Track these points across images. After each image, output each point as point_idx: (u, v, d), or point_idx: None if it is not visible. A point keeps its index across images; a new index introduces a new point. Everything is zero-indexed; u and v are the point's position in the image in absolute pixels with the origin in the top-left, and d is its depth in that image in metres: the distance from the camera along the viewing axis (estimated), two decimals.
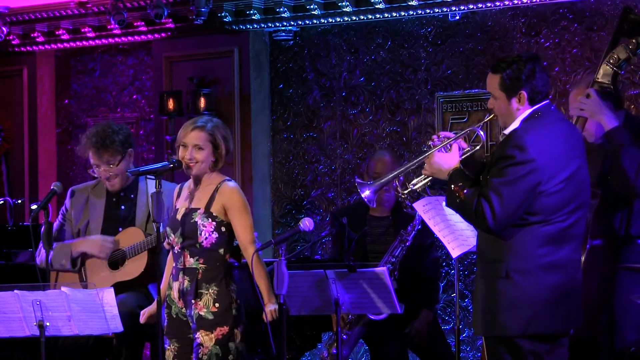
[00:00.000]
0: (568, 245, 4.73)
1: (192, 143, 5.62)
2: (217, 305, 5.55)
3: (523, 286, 4.67)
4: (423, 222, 6.46)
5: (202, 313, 5.56)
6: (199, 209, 5.61)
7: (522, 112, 4.78)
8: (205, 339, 5.54)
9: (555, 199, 4.67)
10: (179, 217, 5.66)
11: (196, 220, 5.59)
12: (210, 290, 5.56)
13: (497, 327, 4.74)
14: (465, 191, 4.72)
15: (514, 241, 4.69)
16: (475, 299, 4.87)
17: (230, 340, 5.57)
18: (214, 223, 5.59)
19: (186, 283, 5.60)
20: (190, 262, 5.60)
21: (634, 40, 5.48)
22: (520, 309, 4.67)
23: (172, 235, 5.64)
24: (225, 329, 5.57)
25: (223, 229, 5.61)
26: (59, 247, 6.48)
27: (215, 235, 5.59)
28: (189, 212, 5.63)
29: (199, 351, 5.54)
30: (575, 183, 4.73)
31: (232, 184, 5.68)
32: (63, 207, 6.70)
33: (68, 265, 6.47)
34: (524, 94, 4.76)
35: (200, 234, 5.58)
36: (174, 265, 5.69)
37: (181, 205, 5.70)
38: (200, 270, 5.59)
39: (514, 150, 4.64)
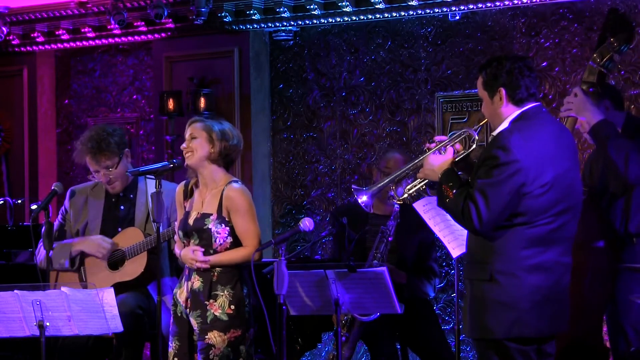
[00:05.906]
0: (555, 248, 4.68)
1: (188, 133, 5.70)
2: (232, 307, 5.56)
3: (507, 288, 4.66)
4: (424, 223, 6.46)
5: (217, 314, 5.56)
6: (212, 214, 5.61)
7: (508, 113, 4.75)
8: (218, 340, 5.54)
9: (540, 201, 4.63)
10: (191, 221, 5.65)
11: (209, 226, 5.59)
12: (225, 292, 5.57)
13: (483, 330, 4.74)
14: (454, 191, 4.71)
15: (498, 243, 4.67)
16: (464, 300, 4.87)
17: (242, 344, 5.58)
18: (228, 228, 5.61)
19: (198, 284, 5.61)
20: None
21: (613, 39, 5.50)
22: (504, 312, 4.66)
23: (186, 239, 5.66)
24: (239, 332, 5.57)
25: None
26: (59, 247, 6.47)
27: (230, 240, 5.61)
28: (201, 217, 5.63)
29: (210, 352, 5.53)
30: (562, 185, 4.68)
31: (236, 185, 5.67)
32: (62, 208, 6.71)
33: (66, 264, 6.47)
34: (502, 91, 4.73)
35: (215, 241, 5.59)
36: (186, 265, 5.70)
37: (193, 209, 5.70)
38: (216, 273, 5.60)
39: (498, 152, 4.62)
